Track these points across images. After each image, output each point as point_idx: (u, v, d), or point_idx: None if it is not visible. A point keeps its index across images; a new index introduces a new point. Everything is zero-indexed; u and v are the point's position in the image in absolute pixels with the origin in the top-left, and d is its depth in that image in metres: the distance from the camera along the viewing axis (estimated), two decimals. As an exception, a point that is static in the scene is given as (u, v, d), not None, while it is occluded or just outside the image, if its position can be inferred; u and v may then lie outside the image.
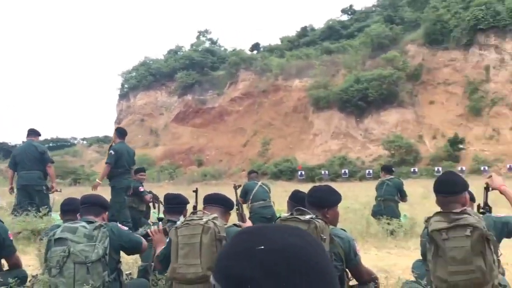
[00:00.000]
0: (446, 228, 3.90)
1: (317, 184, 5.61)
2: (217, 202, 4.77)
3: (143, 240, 4.97)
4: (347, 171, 44.76)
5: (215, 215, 4.38)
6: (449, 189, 4.24)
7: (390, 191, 11.44)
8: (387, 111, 51.75)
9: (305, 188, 5.28)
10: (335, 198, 4.45)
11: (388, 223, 10.68)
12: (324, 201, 4.36)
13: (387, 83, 50.51)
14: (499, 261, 4.12)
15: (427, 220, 4.18)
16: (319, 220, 4.04)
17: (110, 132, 71.83)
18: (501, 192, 4.49)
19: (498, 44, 49.15)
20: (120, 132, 11.31)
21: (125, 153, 10.89)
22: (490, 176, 4.66)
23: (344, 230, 4.43)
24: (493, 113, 46.85)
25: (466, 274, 3.81)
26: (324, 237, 3.93)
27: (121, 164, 10.73)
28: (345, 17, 77.05)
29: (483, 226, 3.89)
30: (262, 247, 1.09)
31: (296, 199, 4.93)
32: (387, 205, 11.38)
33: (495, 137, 45.55)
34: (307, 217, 4.06)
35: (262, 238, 1.13)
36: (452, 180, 4.34)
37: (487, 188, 4.71)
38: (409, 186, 27.51)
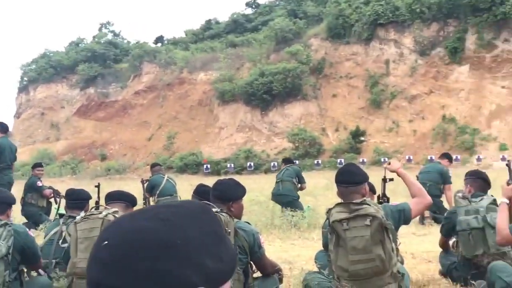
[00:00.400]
0: (347, 218, 3.95)
1: (222, 177, 5.49)
2: (119, 198, 4.83)
3: (41, 259, 4.86)
4: (252, 164, 45.00)
5: (116, 209, 4.41)
6: (349, 179, 4.28)
7: (288, 174, 11.61)
8: (291, 104, 52.46)
9: (211, 181, 5.18)
10: (239, 191, 4.48)
11: (292, 215, 10.75)
12: (228, 195, 4.37)
13: (291, 77, 51.13)
14: (397, 249, 4.23)
15: (328, 211, 4.22)
16: (224, 214, 4.05)
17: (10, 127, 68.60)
18: (398, 175, 4.55)
19: (397, 38, 50.84)
20: (2, 127, 10.69)
21: (8, 148, 10.34)
22: (389, 163, 4.70)
23: (249, 223, 4.41)
24: (392, 106, 48.47)
25: (366, 262, 3.86)
26: (229, 230, 3.96)
27: (3, 160, 10.21)
28: (249, 11, 77.37)
29: (382, 215, 3.96)
30: (106, 242, 0.95)
31: (200, 193, 4.98)
32: (285, 186, 11.54)
33: (394, 129, 47.15)
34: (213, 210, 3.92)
35: (113, 230, 0.99)
36: (352, 171, 4.40)
37: (384, 180, 4.96)
38: (312, 178, 28.12)
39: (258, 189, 22.45)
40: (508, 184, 4.67)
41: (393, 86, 49.20)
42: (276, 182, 12.13)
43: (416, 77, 48.68)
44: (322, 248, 4.90)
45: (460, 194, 5.40)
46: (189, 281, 0.92)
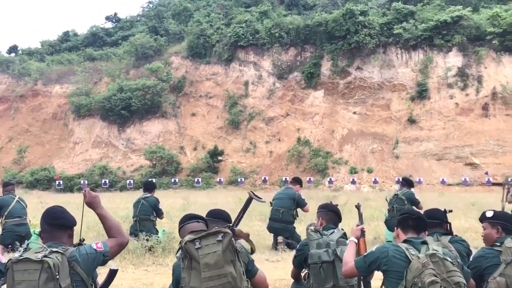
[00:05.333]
0: (199, 237, 4.02)
1: (75, 194, 5.20)
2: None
3: None
4: (107, 181, 43.81)
5: None
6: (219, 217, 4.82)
7: (145, 211, 11.28)
8: (150, 121, 51.89)
9: (62, 198, 4.92)
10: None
11: (147, 240, 10.49)
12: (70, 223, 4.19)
13: (151, 94, 50.65)
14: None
15: (181, 242, 4.18)
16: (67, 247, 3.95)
17: None
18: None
19: (257, 61, 52.06)
20: None
21: None
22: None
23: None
24: (250, 127, 49.39)
25: (218, 278, 3.92)
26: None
27: None
28: (109, 25, 76.04)
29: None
30: None
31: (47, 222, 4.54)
32: (143, 225, 11.22)
33: (251, 150, 48.01)
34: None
35: None
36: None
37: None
38: (169, 197, 27.84)
39: (113, 208, 21.80)
40: (357, 225, 4.98)
41: (251, 108, 50.19)
42: (133, 218, 11.70)
43: (274, 99, 50.03)
44: None
45: (312, 228, 5.53)
46: None
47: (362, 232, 4.99)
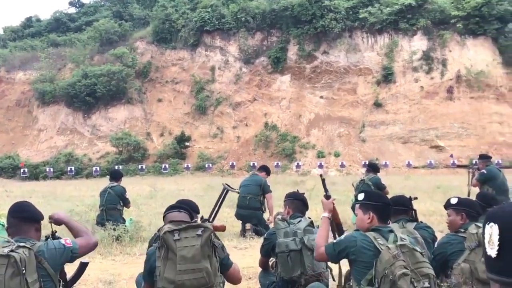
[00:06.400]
0: (178, 229, 4.03)
1: (40, 182, 5.12)
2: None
3: None
4: (73, 169, 43.31)
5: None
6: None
7: (112, 200, 11.17)
8: (116, 107, 51.39)
9: (28, 186, 4.83)
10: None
11: (114, 229, 10.41)
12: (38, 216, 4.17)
13: (116, 80, 50.11)
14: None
15: (159, 230, 4.18)
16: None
17: None
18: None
19: (223, 46, 51.85)
20: None
21: None
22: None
23: (59, 239, 4.17)
24: (217, 112, 49.28)
25: (193, 273, 3.94)
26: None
27: None
28: (73, 10, 74.70)
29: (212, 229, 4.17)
30: None
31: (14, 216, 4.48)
32: (110, 214, 11.11)
33: (219, 135, 47.94)
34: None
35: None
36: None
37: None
38: (136, 184, 27.70)
39: (79, 197, 21.65)
40: (326, 197, 4.82)
41: (218, 93, 50.05)
42: (100, 208, 11.30)
43: (241, 84, 49.96)
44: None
45: (279, 216, 5.55)
46: None
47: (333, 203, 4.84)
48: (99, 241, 10.20)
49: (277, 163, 40.82)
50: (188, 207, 4.77)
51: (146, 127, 50.47)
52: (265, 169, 11.95)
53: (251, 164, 39.29)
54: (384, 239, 4.09)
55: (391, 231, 4.16)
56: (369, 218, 4.25)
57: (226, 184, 5.52)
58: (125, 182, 12.53)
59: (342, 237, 4.34)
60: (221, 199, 5.30)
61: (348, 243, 4.17)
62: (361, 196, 4.38)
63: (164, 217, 4.58)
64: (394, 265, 3.89)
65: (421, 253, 4.06)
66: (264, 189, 11.35)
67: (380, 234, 4.13)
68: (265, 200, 11.36)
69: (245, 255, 9.15)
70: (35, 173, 43.74)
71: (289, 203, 5.77)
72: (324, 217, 4.70)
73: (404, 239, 4.09)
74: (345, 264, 4.42)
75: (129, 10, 63.06)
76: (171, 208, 4.60)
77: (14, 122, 54.92)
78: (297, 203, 5.75)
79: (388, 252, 3.95)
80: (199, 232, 4.03)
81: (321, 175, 5.55)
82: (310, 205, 5.95)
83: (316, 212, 12.03)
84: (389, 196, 5.64)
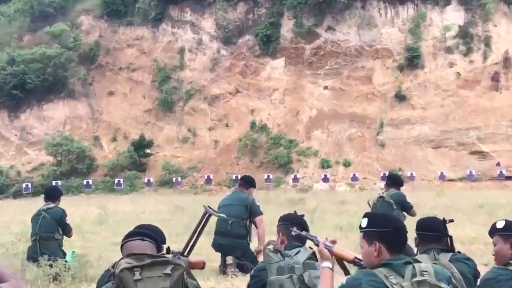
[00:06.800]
0: (140, 266, 3.90)
1: None
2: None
3: None
4: (-4, 185, 43.19)
5: None
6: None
7: (48, 227, 11.08)
8: (53, 103, 51.19)
9: None
10: None
11: (51, 265, 10.34)
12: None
13: (53, 66, 49.89)
14: None
15: (114, 266, 4.11)
16: None
17: None
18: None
19: (195, 21, 51.83)
20: None
21: None
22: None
23: None
24: (188, 109, 49.21)
25: None
26: None
27: None
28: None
29: (185, 264, 4.10)
30: None
31: None
32: (46, 246, 11.03)
33: (190, 139, 47.87)
34: None
35: None
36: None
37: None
38: (81, 206, 27.60)
39: (3, 223, 21.51)
40: (325, 246, 4.67)
41: (189, 83, 50.01)
42: (32, 238, 11.36)
43: (219, 72, 49.98)
44: None
45: (270, 247, 5.50)
46: None
47: (330, 245, 4.77)
48: (31, 282, 10.21)
49: (268, 176, 40.85)
50: (153, 236, 4.72)
51: (93, 129, 50.32)
52: (249, 182, 11.80)
53: (234, 178, 39.25)
54: (399, 275, 3.98)
55: (409, 262, 4.07)
56: (375, 250, 4.13)
57: (208, 206, 5.48)
58: (65, 203, 12.46)
59: (344, 282, 4.26)
60: (201, 226, 5.25)
61: None
62: (363, 223, 4.27)
63: (121, 246, 4.51)
64: None
65: None
66: (252, 211, 11.25)
67: (393, 269, 4.01)
68: (253, 225, 11.32)
69: (225, 299, 9.13)
70: None
71: (283, 229, 5.73)
72: (323, 268, 4.61)
73: (426, 272, 4.00)
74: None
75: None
76: (131, 235, 4.53)
77: None
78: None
79: None
80: (168, 270, 3.90)
81: (302, 215, 5.58)
82: (312, 231, 5.94)
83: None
84: (417, 218, 5.63)
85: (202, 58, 51.01)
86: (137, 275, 3.87)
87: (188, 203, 26.71)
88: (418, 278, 3.86)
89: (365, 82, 47.20)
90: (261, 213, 11.37)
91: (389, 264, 3.96)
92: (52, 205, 11.30)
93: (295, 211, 6.27)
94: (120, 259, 4.09)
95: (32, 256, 11.04)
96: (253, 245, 11.45)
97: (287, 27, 49.50)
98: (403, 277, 3.91)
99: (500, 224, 5.10)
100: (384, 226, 4.14)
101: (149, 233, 4.55)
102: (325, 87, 47.71)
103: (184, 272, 4.02)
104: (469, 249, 12.19)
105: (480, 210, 21.46)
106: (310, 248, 5.55)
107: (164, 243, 4.82)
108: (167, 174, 44.24)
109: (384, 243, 4.08)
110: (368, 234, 4.17)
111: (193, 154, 46.96)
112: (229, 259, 11.33)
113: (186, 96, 49.74)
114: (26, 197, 40.63)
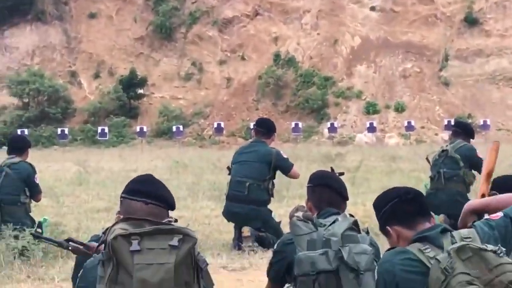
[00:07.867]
0: (140, 233, 3.79)
1: None
2: None
3: None
4: None
5: None
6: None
7: (11, 187, 11.14)
8: (18, 29, 51.42)
9: None
10: None
11: (16, 236, 10.47)
12: None
13: (17, -20, 50.06)
14: None
15: (106, 232, 4.07)
16: None
17: None
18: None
19: None
20: None
21: None
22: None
23: None
24: (192, 37, 49.27)
25: None
26: None
27: None
28: None
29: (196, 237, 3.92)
30: None
31: None
32: (9, 212, 11.14)
33: (195, 76, 48.05)
34: None
35: None
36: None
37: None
38: (54, 160, 27.87)
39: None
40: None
41: (193, 3, 49.95)
42: None
43: (233, -13, 49.89)
44: None
45: (299, 214, 5.44)
46: None
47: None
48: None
49: (297, 124, 40.87)
50: (162, 198, 4.57)
51: (69, 62, 50.51)
52: (269, 127, 11.58)
53: (251, 126, 39.17)
54: (437, 247, 3.99)
55: (445, 230, 4.03)
56: (395, 235, 4.16)
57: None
58: (35, 156, 12.55)
59: (378, 267, 4.26)
60: None
61: (387, 276, 4.02)
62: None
63: (121, 201, 4.40)
64: (449, 285, 3.79)
65: (494, 252, 3.91)
66: (280, 167, 11.21)
67: (429, 241, 4.04)
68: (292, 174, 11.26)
69: (242, 280, 9.18)
70: None
71: (314, 191, 5.69)
72: None
73: (468, 238, 3.95)
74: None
75: None
76: (135, 193, 4.38)
77: None
78: (329, 191, 5.67)
79: (438, 266, 3.84)
80: (175, 241, 3.78)
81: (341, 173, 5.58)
82: (353, 195, 5.91)
83: (364, 207, 12.02)
84: (493, 177, 5.57)
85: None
86: (134, 245, 3.75)
87: (192, 159, 26.84)
88: (457, 244, 3.81)
89: (425, 1, 46.92)
90: (292, 164, 11.30)
91: (424, 237, 3.96)
92: (17, 159, 11.35)
93: (331, 169, 6.24)
94: (114, 224, 4.07)
95: (-8, 224, 11.15)
96: (277, 213, 11.45)
97: None
98: (442, 248, 3.90)
99: None
100: (381, 206, 4.24)
101: (159, 193, 4.39)
102: (372, 8, 47.53)
103: (195, 246, 3.90)
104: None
105: None
106: (351, 216, 5.49)
107: (174, 208, 4.67)
108: (165, 121, 44.36)
109: (398, 224, 4.14)
110: (380, 221, 4.24)
111: (198, 95, 47.06)
112: (246, 231, 11.25)
113: (189, 19, 49.70)
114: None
